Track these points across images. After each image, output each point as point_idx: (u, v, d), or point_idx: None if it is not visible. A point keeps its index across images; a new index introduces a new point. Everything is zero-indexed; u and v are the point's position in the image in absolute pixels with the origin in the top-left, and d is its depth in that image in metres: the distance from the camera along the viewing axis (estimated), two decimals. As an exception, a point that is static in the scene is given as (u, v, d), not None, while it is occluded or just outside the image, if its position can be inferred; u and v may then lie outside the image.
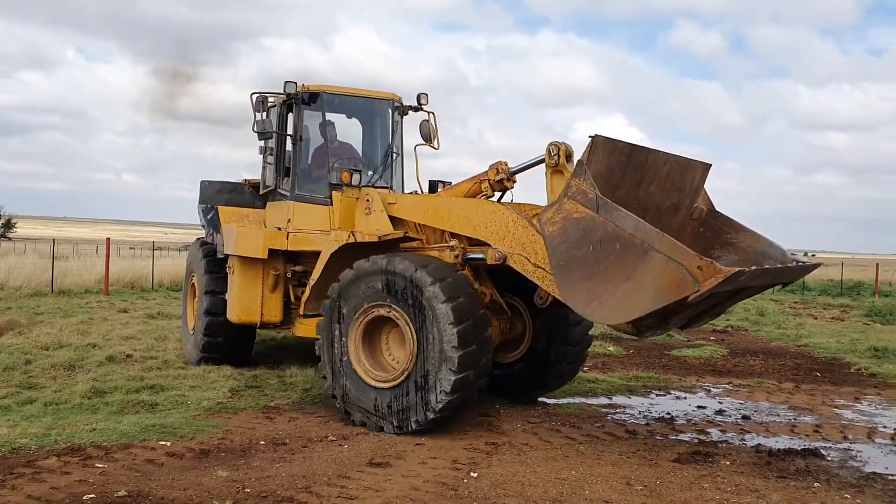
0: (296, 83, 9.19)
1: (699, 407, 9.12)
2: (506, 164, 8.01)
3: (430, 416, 7.03)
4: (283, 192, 9.62)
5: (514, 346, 8.74)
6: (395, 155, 9.96)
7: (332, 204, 8.95)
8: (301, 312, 8.98)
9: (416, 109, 10.00)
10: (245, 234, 9.34)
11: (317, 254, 8.90)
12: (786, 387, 10.62)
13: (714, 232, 7.48)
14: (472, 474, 5.91)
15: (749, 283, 6.35)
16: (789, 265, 6.99)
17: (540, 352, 8.72)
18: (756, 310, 21.55)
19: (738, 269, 5.88)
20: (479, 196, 8.16)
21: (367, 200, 8.55)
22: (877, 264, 31.98)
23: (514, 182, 8.07)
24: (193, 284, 10.80)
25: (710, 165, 7.65)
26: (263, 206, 10.42)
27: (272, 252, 9.22)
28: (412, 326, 7.15)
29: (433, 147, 9.78)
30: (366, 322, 7.52)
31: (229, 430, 7.21)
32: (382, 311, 7.37)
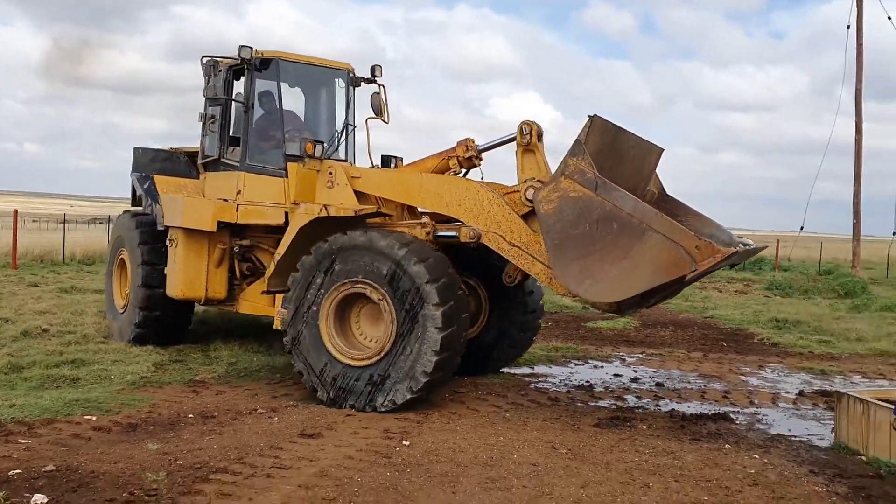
0: (251, 48, 8.74)
1: (615, 375, 9.51)
2: (474, 142, 8.01)
3: (368, 410, 7.08)
4: (229, 161, 9.13)
5: (470, 324, 8.71)
6: (351, 127, 9.63)
7: (287, 175, 8.60)
8: (266, 288, 8.46)
9: (369, 81, 9.65)
10: (193, 206, 8.90)
11: (266, 228, 8.68)
12: (695, 356, 11.15)
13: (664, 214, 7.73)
14: (404, 442, 6.06)
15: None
16: (752, 247, 7.33)
17: (496, 328, 8.88)
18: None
19: (733, 249, 6.17)
20: (447, 173, 8.09)
21: (330, 173, 8.22)
22: (777, 240, 33.41)
23: (481, 160, 8.06)
24: (123, 259, 10.21)
25: (663, 150, 7.89)
26: (198, 177, 9.98)
27: (219, 225, 8.79)
28: (395, 327, 7.01)
29: (384, 121, 9.49)
30: (352, 292, 7.29)
31: (156, 403, 7.15)
32: (374, 296, 7.16)
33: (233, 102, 9.17)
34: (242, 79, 9.08)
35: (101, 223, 40.88)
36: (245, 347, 9.76)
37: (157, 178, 9.86)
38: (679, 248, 6.02)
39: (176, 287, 9.10)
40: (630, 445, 6.29)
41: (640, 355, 11.04)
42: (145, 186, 9.89)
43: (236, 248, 9.15)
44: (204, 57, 9.01)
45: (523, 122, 7.27)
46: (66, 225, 30.19)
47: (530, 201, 7.14)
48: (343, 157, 9.55)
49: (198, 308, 10.90)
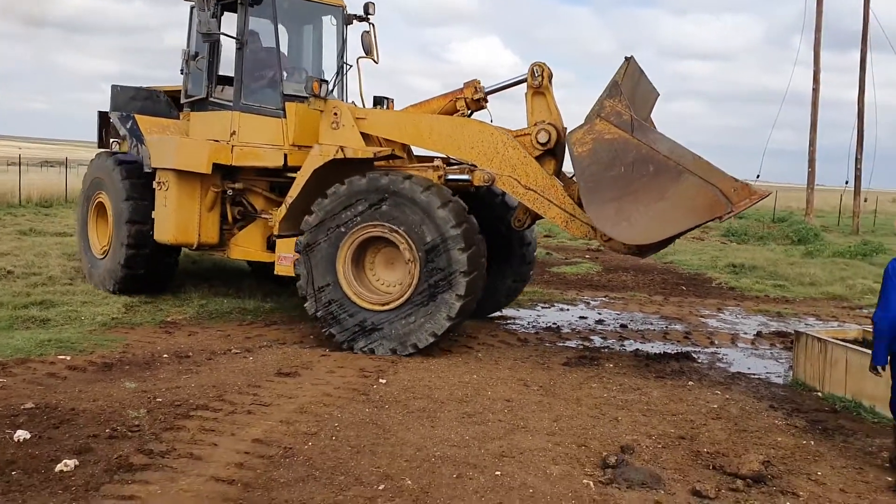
0: None
1: (581, 317, 9.74)
2: (480, 83, 7.87)
3: (344, 346, 7.16)
4: (220, 101, 8.73)
5: None
6: (347, 67, 9.31)
7: (285, 116, 8.30)
8: (276, 232, 8.20)
9: (361, 19, 9.28)
10: (187, 147, 8.53)
11: (259, 171, 8.45)
12: (656, 299, 11.44)
13: None
14: (380, 381, 6.19)
15: None
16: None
17: (494, 273, 8.84)
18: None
19: (766, 190, 6.30)
20: (454, 115, 7.92)
21: (335, 114, 7.85)
22: (733, 188, 33.85)
23: (487, 101, 7.93)
24: (101, 203, 9.72)
25: (659, 94, 7.93)
26: (178, 117, 9.61)
27: (213, 167, 8.37)
28: (411, 293, 6.99)
29: (374, 60, 9.19)
30: (387, 237, 7.17)
31: (129, 344, 7.17)
32: (407, 255, 7.05)
33: (221, 39, 8.67)
34: (227, 14, 8.74)
35: (52, 166, 39.83)
36: (215, 290, 9.76)
37: (139, 118, 9.43)
38: (716, 189, 6.12)
39: (167, 232, 8.71)
40: (598, 382, 6.51)
41: (604, 299, 11.29)
42: (128, 126, 9.41)
43: (228, 192, 8.79)
44: None
45: (535, 64, 7.20)
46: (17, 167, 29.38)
47: (542, 144, 7.19)
48: (338, 97, 9.23)
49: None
